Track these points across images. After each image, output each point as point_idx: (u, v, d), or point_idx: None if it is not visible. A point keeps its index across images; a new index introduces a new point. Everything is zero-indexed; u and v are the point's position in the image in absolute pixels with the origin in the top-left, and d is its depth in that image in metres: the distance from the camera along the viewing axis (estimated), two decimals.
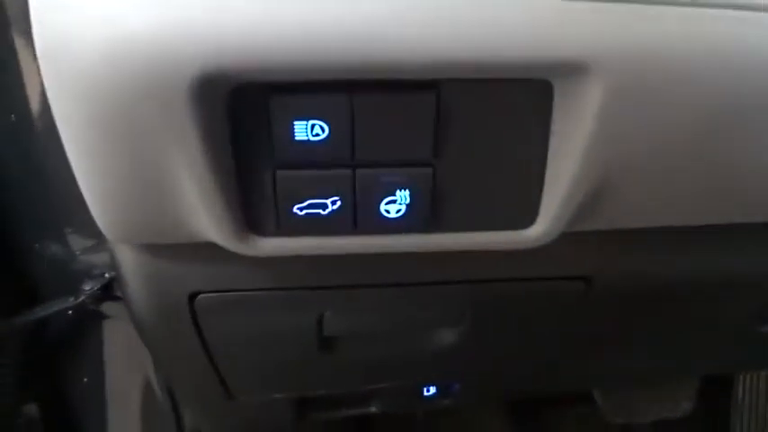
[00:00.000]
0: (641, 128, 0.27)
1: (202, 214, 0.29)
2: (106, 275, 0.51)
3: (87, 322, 0.56)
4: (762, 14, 0.26)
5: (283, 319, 0.38)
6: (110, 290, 0.52)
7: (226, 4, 0.23)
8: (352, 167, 0.28)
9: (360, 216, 0.29)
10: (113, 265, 0.38)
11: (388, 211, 0.29)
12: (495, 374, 0.50)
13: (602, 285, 0.39)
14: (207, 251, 0.31)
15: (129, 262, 0.36)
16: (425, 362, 0.45)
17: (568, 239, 0.32)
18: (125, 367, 0.57)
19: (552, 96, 0.26)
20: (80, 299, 0.51)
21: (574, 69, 0.25)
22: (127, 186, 0.28)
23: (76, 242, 0.51)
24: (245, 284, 0.36)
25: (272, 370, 0.45)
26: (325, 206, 0.29)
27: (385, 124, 0.27)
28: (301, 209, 0.29)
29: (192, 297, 0.37)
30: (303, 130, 0.26)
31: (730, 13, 0.26)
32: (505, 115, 0.27)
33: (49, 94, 0.25)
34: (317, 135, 0.27)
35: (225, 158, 0.27)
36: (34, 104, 0.41)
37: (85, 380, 0.57)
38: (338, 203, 0.29)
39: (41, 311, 0.51)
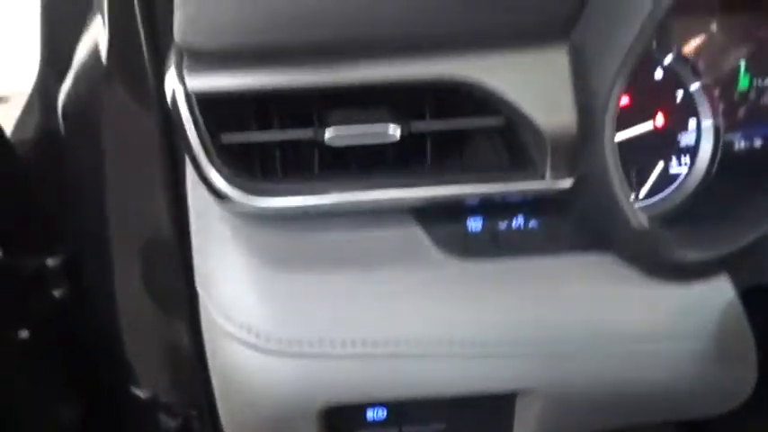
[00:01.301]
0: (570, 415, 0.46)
1: None
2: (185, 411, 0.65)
3: None
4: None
5: None
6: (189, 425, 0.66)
7: (336, 369, 0.42)
8: (399, 427, 0.47)
9: None
10: None
11: None
12: None
13: None
14: None
15: None
16: None
17: None
18: None
19: (515, 401, 0.46)
20: None
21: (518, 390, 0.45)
22: None
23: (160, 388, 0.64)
24: None
25: None
26: None
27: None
28: None
29: None
30: (372, 415, 0.46)
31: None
32: (488, 408, 0.47)
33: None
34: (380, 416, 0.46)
35: None
36: None
37: None
38: None
39: None
